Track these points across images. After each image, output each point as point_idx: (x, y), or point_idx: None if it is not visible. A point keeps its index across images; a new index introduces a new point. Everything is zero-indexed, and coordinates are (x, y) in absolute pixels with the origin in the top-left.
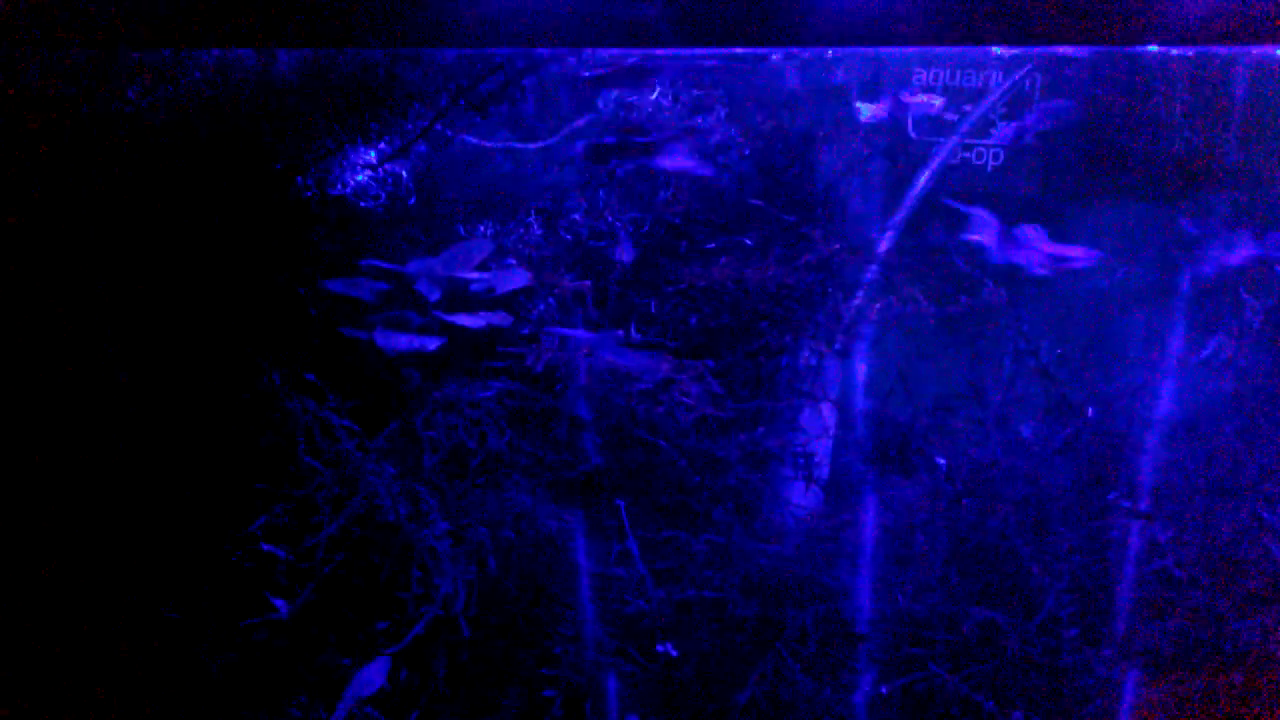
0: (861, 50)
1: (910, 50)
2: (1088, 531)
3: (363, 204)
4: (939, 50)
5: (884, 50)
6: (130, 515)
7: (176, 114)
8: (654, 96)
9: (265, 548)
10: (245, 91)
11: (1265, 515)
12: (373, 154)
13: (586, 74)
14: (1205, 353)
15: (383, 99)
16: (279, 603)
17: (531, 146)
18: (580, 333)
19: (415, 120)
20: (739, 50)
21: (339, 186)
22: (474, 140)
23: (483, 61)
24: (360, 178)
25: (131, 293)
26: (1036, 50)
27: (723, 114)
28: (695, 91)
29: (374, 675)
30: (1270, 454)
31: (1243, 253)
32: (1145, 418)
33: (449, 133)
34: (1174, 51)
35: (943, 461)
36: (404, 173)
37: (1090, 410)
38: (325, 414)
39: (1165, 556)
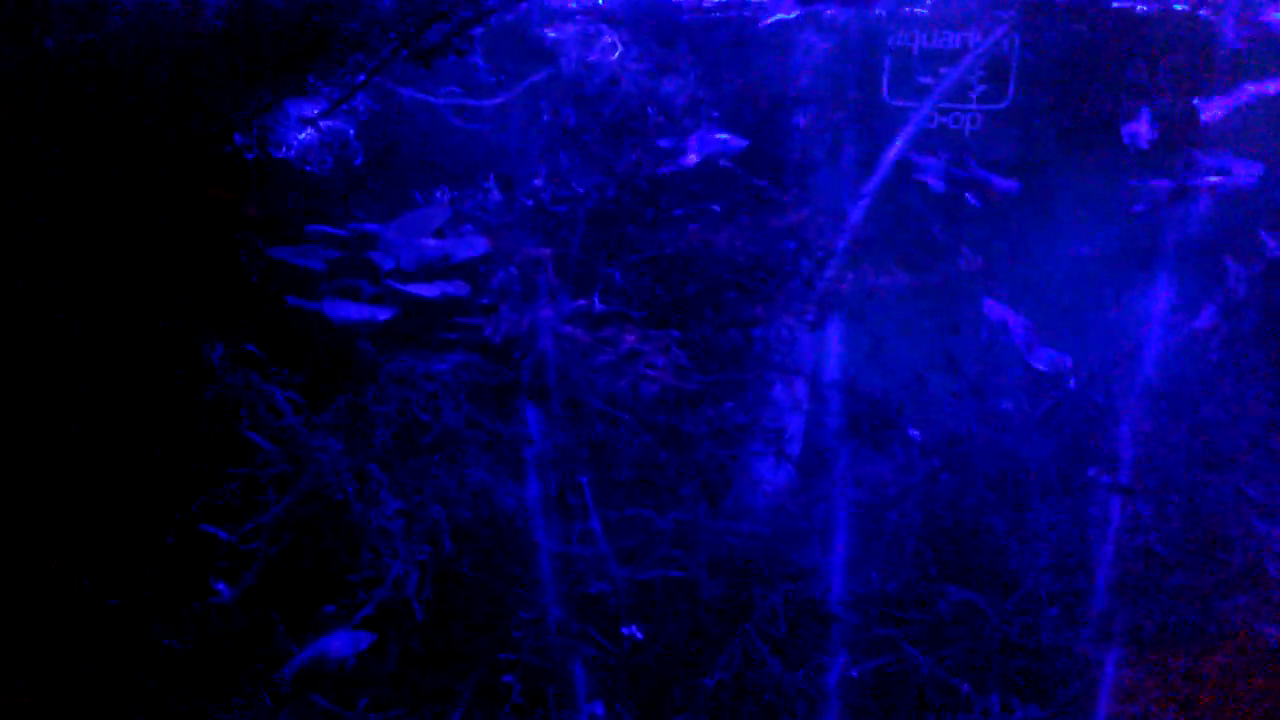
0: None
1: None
2: (1068, 507)
3: (309, 166)
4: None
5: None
6: (63, 496)
7: (98, 64)
8: (616, 56)
9: (206, 529)
10: (171, 39)
11: (1249, 490)
12: (312, 109)
13: (542, 26)
14: (1195, 323)
15: (319, 48)
16: (221, 586)
17: (485, 104)
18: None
19: (355, 72)
20: (708, 3)
21: (283, 148)
22: (421, 96)
23: (425, 9)
24: (303, 136)
25: (58, 260)
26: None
27: (691, 74)
28: (662, 49)
29: (342, 644)
30: (1254, 425)
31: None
32: (1127, 389)
33: (392, 86)
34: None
35: (918, 435)
36: (352, 131)
37: (1071, 382)
38: (269, 388)
39: (1147, 533)
